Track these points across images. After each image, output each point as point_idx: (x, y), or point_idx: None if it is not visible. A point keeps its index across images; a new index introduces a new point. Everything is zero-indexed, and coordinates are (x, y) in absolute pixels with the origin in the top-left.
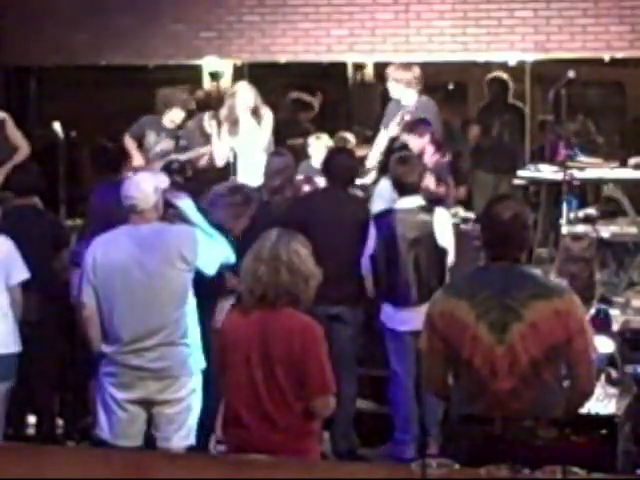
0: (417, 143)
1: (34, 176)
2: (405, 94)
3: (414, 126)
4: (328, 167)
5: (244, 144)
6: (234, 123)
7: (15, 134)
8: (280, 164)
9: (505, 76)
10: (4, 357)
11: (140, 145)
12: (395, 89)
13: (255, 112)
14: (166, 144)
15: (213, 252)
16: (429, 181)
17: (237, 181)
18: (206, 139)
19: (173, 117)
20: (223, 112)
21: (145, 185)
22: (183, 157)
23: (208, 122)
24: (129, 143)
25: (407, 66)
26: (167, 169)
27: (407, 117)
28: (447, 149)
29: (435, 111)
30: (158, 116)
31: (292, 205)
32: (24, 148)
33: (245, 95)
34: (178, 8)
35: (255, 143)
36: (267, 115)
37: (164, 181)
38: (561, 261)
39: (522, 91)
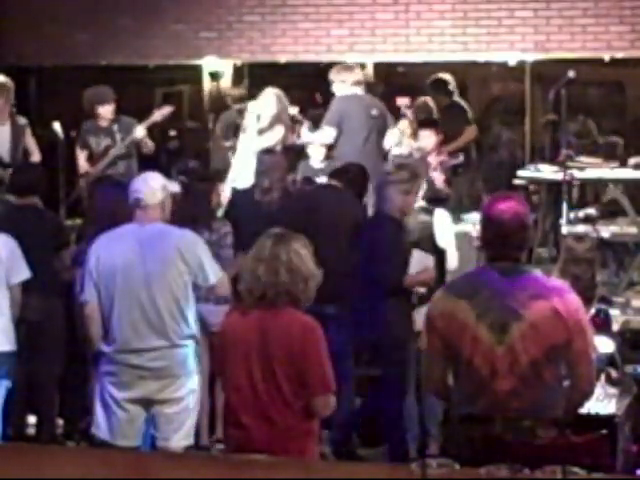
0: (434, 140)
1: (35, 176)
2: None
3: (432, 123)
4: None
5: (249, 146)
6: (247, 125)
7: (30, 141)
8: (269, 163)
9: (447, 76)
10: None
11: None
12: (342, 90)
13: (272, 121)
14: (105, 142)
15: (213, 261)
16: (439, 180)
17: (402, 158)
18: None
19: (103, 114)
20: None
21: (153, 181)
22: (122, 146)
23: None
24: (78, 154)
25: (350, 67)
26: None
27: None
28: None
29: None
30: (93, 119)
31: (291, 204)
32: (36, 155)
33: (267, 102)
34: (178, 8)
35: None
36: (277, 131)
37: (174, 186)
38: (564, 262)
39: (522, 91)
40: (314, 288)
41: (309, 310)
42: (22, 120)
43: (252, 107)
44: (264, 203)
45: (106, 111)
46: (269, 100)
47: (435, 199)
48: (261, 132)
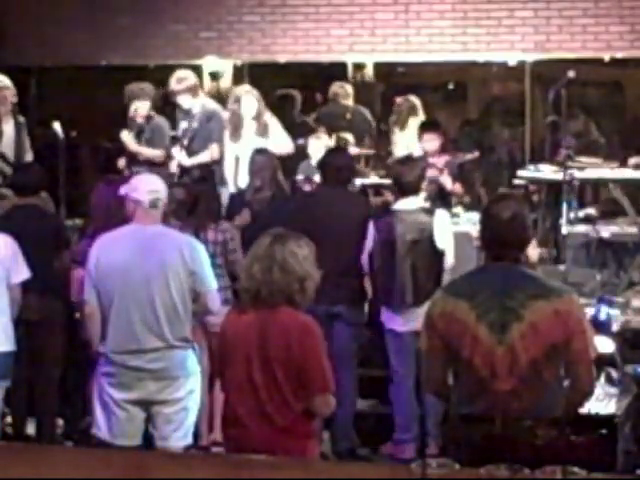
0: (437, 143)
1: (35, 176)
2: (193, 103)
3: (435, 126)
4: (323, 166)
5: (246, 149)
6: (236, 128)
7: (26, 141)
8: (261, 162)
9: (294, 92)
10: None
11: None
12: (186, 101)
13: (258, 118)
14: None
15: (211, 270)
16: (445, 180)
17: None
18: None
19: (137, 108)
20: (224, 116)
21: (162, 184)
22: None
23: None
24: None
25: (183, 78)
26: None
27: (195, 125)
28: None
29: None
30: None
31: (293, 203)
32: (29, 155)
33: (248, 102)
34: (178, 8)
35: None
36: (271, 122)
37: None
38: None
39: (522, 91)
40: (311, 289)
41: (315, 309)
42: (21, 119)
43: (243, 112)
44: (254, 202)
45: (141, 107)
46: (251, 98)
47: (441, 200)
48: (262, 129)
